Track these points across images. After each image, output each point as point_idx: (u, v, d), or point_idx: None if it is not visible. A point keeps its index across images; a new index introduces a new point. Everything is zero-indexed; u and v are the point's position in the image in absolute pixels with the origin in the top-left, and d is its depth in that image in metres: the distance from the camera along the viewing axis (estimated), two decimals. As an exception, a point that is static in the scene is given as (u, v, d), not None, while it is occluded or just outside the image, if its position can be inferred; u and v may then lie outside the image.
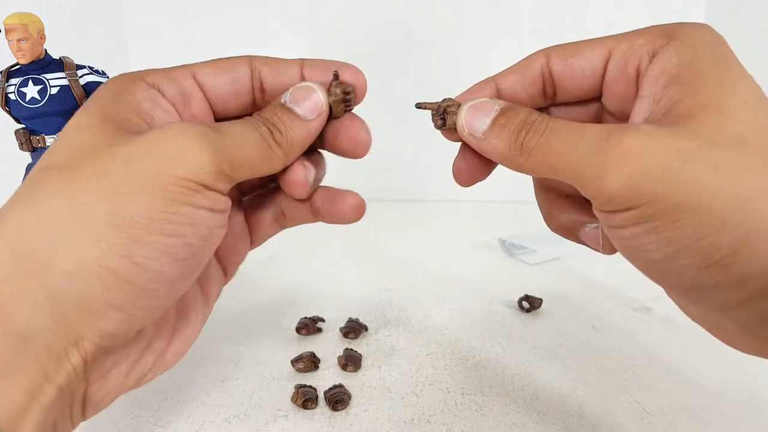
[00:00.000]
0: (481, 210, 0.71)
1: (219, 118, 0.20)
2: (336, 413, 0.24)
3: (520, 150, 0.17)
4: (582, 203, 0.19)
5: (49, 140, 0.33)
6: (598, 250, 0.19)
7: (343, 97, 0.19)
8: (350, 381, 0.27)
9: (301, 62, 0.21)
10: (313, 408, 0.24)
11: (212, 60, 0.20)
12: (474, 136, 0.18)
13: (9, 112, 0.33)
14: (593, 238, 0.19)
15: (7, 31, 0.31)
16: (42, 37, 0.32)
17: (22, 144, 0.33)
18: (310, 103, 0.19)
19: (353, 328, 0.32)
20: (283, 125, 0.18)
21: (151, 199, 0.15)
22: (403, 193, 0.78)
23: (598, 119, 0.20)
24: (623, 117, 0.18)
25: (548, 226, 0.21)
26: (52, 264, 0.14)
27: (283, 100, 0.19)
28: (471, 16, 0.72)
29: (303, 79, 0.20)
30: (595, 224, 0.19)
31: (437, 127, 0.20)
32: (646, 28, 0.18)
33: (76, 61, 0.34)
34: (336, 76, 0.20)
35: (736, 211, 0.13)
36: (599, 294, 0.39)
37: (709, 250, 0.14)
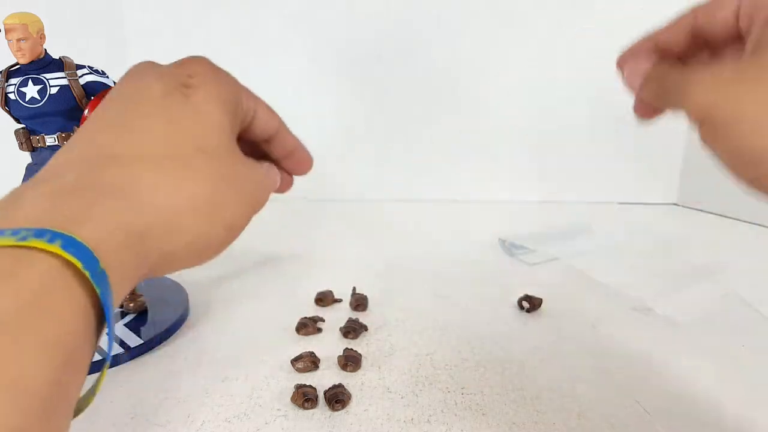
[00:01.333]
0: (481, 210, 0.71)
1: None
2: (336, 413, 0.24)
3: (663, 95, 0.21)
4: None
5: (49, 140, 0.33)
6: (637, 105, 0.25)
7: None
8: (350, 381, 0.27)
9: (280, 120, 0.25)
10: (313, 408, 0.24)
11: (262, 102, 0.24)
12: (635, 90, 0.24)
13: (9, 112, 0.33)
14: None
15: (6, 31, 0.31)
16: (42, 36, 0.32)
17: (21, 144, 0.33)
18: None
19: (353, 328, 0.32)
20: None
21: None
22: (403, 193, 0.78)
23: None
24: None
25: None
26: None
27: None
28: (471, 16, 0.72)
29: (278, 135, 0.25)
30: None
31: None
32: None
33: (76, 61, 0.34)
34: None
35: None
36: (599, 294, 0.39)
37: (752, 169, 0.17)
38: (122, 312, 0.36)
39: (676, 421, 0.23)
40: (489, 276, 0.44)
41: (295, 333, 0.33)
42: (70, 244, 0.14)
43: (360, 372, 0.28)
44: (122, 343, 0.31)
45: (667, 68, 0.22)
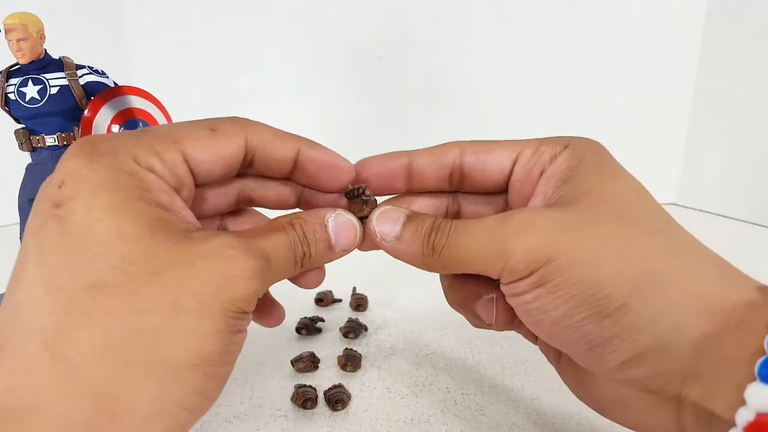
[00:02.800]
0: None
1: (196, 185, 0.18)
2: (336, 413, 0.24)
3: (432, 251, 0.19)
4: (479, 277, 0.20)
5: (49, 140, 0.33)
6: (490, 324, 0.21)
7: (362, 207, 0.20)
8: (350, 381, 0.27)
9: (299, 142, 0.20)
10: (313, 408, 0.24)
11: (201, 128, 0.18)
12: (386, 241, 0.20)
13: (9, 112, 0.33)
14: (488, 309, 0.21)
15: (6, 31, 0.31)
16: (42, 36, 0.32)
17: (22, 144, 0.33)
18: (348, 241, 0.20)
19: (353, 328, 0.32)
20: (317, 252, 0.19)
21: (222, 334, 0.15)
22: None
23: (501, 211, 0.22)
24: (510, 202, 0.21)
25: (447, 300, 0.23)
26: (132, 410, 0.14)
27: (326, 222, 0.19)
28: (471, 16, 0.72)
29: (300, 157, 0.20)
30: (491, 295, 0.21)
31: (357, 215, 0.21)
32: (548, 137, 0.20)
33: (76, 61, 0.34)
34: (354, 192, 0.20)
35: (623, 268, 0.16)
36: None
37: (603, 302, 0.16)
38: None
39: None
40: (489, 276, 0.44)
41: (295, 333, 0.33)
42: None
43: (360, 372, 0.28)
44: None
45: (434, 221, 0.20)
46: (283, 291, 0.41)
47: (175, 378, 0.14)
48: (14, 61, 0.32)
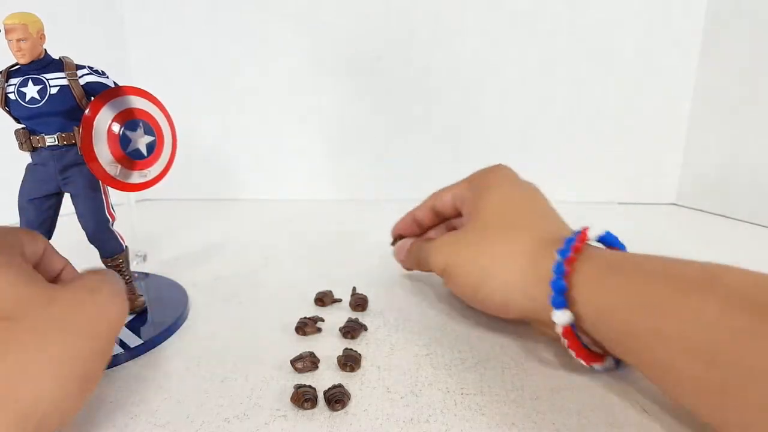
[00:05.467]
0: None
1: None
2: (335, 413, 0.24)
3: (418, 264, 0.38)
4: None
5: (49, 140, 0.32)
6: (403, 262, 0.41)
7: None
8: (350, 381, 0.27)
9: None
10: (313, 408, 0.24)
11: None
12: (402, 262, 0.41)
13: (9, 112, 0.33)
14: (402, 248, 0.41)
15: (6, 31, 0.31)
16: (42, 37, 0.32)
17: (22, 144, 0.33)
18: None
19: (353, 328, 0.32)
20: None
21: (105, 356, 0.21)
22: (403, 193, 0.78)
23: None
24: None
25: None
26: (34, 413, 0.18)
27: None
28: (471, 16, 0.72)
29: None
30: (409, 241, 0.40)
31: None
32: (465, 179, 0.37)
33: (76, 61, 0.34)
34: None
35: (477, 269, 0.29)
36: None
37: (470, 291, 0.30)
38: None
39: (676, 421, 0.23)
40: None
41: (295, 333, 0.33)
42: None
43: (360, 372, 0.28)
44: (122, 343, 0.31)
45: (420, 244, 0.37)
46: (283, 291, 0.41)
47: (64, 391, 0.19)
48: (14, 62, 0.32)
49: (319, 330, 0.33)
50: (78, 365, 0.19)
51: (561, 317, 0.24)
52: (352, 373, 0.28)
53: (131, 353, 0.30)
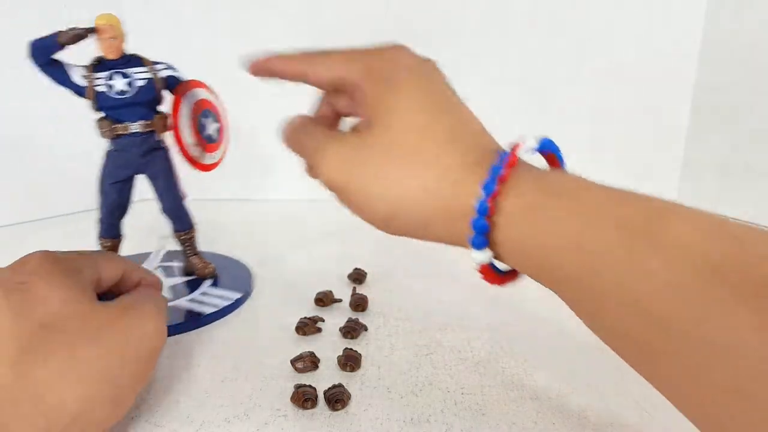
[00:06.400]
0: (481, 210, 0.71)
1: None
2: (335, 413, 0.24)
3: (300, 151, 0.27)
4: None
5: (132, 127, 0.36)
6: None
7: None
8: (350, 381, 0.27)
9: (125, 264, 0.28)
10: (313, 408, 0.24)
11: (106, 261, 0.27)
12: (284, 139, 0.29)
13: (95, 103, 0.36)
14: None
15: (100, 31, 0.35)
16: (123, 36, 0.37)
17: (105, 131, 0.36)
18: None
19: (353, 328, 0.32)
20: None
21: (137, 377, 0.22)
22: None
23: (335, 115, 0.30)
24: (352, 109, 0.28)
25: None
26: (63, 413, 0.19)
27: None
28: (471, 16, 0.72)
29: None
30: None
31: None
32: (359, 56, 0.26)
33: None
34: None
35: (387, 198, 0.22)
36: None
37: (381, 224, 0.23)
38: (197, 279, 0.42)
39: (676, 421, 0.23)
40: (489, 276, 0.44)
41: (295, 333, 0.33)
42: None
43: (360, 372, 0.28)
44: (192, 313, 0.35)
45: (310, 130, 0.27)
46: (283, 291, 0.41)
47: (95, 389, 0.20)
48: (93, 57, 0.36)
49: (319, 330, 0.33)
50: (106, 381, 0.20)
51: (480, 256, 0.21)
52: (353, 373, 0.28)
53: (221, 312, 0.36)
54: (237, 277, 0.42)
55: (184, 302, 0.37)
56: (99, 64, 0.36)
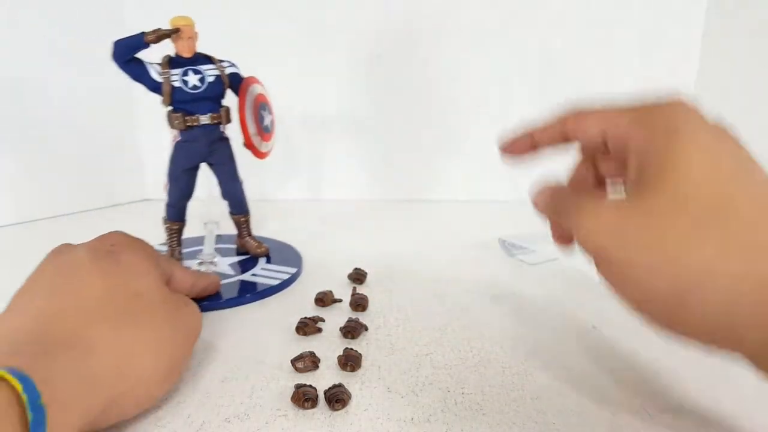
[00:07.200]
0: (481, 210, 0.71)
1: None
2: (336, 413, 0.24)
3: (557, 216, 0.23)
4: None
5: (203, 119, 0.40)
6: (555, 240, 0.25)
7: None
8: (350, 381, 0.27)
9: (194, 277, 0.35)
10: (313, 408, 0.24)
11: (183, 268, 0.33)
12: (536, 206, 0.25)
13: (168, 97, 0.39)
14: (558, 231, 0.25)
15: (181, 32, 0.39)
16: (197, 36, 0.40)
17: (176, 123, 0.40)
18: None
19: (353, 328, 0.32)
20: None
21: (186, 355, 0.26)
22: (403, 193, 0.78)
23: (597, 182, 0.26)
24: (616, 171, 0.24)
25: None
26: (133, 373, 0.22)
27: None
28: (471, 16, 0.72)
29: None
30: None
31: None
32: (625, 107, 0.23)
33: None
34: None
35: (676, 270, 0.17)
36: (599, 294, 0.39)
37: (644, 295, 0.18)
38: (251, 258, 0.47)
39: (676, 421, 0.23)
40: (489, 276, 0.44)
41: (295, 333, 0.33)
42: (21, 378, 0.16)
43: (360, 372, 0.28)
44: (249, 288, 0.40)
45: (566, 194, 0.23)
46: (283, 291, 0.41)
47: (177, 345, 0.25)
48: (165, 55, 0.40)
49: (319, 330, 0.33)
50: (167, 353, 0.24)
51: None
52: (353, 373, 0.28)
53: (282, 284, 0.41)
54: (287, 257, 0.47)
55: (248, 276, 0.42)
56: (175, 61, 0.39)
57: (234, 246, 0.49)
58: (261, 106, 0.44)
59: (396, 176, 0.78)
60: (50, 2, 0.62)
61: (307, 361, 0.28)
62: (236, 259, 0.46)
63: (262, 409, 0.24)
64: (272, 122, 0.46)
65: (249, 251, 0.47)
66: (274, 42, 0.75)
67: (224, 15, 0.74)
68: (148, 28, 0.38)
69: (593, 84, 0.73)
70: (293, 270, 0.43)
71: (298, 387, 0.25)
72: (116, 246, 0.26)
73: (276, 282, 0.40)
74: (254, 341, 0.32)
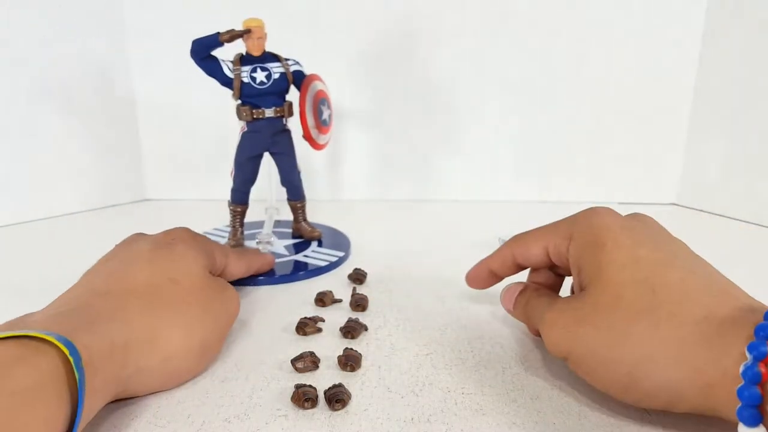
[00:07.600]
0: (481, 210, 0.71)
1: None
2: (336, 413, 0.24)
3: (526, 321, 0.30)
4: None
5: (268, 112, 0.44)
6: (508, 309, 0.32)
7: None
8: (350, 380, 0.27)
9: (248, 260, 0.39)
10: (313, 408, 0.24)
11: (237, 256, 0.37)
12: (508, 311, 0.32)
13: (237, 92, 0.43)
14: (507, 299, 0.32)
15: (253, 32, 0.42)
16: (266, 36, 0.44)
17: (243, 115, 0.44)
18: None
19: (353, 328, 0.32)
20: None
21: (221, 337, 0.29)
22: (403, 193, 0.78)
23: (556, 278, 0.32)
24: (569, 273, 0.29)
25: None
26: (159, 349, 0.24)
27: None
28: (471, 16, 0.72)
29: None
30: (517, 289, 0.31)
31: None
32: (559, 226, 0.28)
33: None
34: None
35: (625, 363, 0.21)
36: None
37: (609, 383, 0.22)
38: (304, 241, 0.52)
39: (676, 421, 0.23)
40: (489, 276, 0.44)
41: (295, 333, 0.33)
42: (65, 342, 0.18)
43: (360, 372, 0.28)
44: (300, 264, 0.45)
45: (529, 299, 0.29)
46: (284, 291, 0.41)
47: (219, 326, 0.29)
48: (237, 53, 0.44)
49: (319, 330, 0.33)
50: (198, 333, 0.26)
51: None
52: (353, 373, 0.28)
53: (330, 266, 0.45)
54: (338, 242, 0.52)
55: (300, 257, 0.47)
56: (245, 59, 0.43)
57: (290, 230, 0.54)
58: (321, 101, 0.47)
59: (396, 176, 0.78)
60: (50, 2, 0.62)
61: (307, 361, 0.28)
62: (291, 241, 0.51)
63: (262, 409, 0.24)
64: (330, 116, 0.49)
65: (303, 235, 0.52)
66: (274, 42, 0.75)
67: (224, 15, 0.74)
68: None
69: (593, 84, 0.73)
70: (341, 254, 0.47)
71: (298, 387, 0.25)
72: (176, 239, 0.29)
73: (324, 264, 0.45)
74: (254, 341, 0.32)
